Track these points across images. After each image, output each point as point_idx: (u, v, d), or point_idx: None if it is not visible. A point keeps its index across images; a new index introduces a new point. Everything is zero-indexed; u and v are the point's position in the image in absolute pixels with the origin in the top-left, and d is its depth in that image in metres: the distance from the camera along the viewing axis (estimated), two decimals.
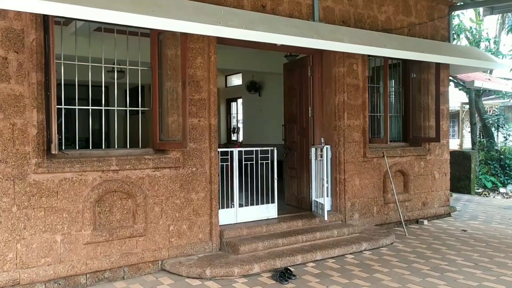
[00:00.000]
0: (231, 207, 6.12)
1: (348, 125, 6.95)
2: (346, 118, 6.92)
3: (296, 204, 7.51)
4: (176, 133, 5.32)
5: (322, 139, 6.70)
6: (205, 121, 5.64)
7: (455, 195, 11.10)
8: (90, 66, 5.05)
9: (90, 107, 5.19)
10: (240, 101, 15.51)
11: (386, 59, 7.10)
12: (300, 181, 7.41)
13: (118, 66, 5.64)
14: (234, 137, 16.21)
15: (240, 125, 15.59)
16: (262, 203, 6.44)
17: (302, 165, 7.31)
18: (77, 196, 4.74)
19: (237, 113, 16.12)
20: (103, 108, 5.31)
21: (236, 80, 15.64)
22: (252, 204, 6.36)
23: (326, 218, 6.36)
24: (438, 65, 7.57)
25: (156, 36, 5.31)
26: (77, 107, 5.00)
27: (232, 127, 16.37)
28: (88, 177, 4.81)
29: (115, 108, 5.33)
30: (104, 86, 5.23)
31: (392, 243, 6.43)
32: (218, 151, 5.88)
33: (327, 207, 6.89)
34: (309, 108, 7.15)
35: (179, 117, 5.27)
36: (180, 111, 5.23)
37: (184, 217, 5.45)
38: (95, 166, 4.82)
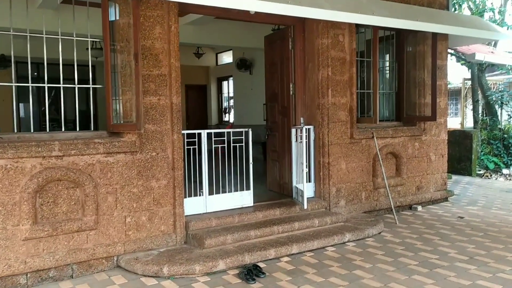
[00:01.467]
0: (200, 195, 5.52)
1: (333, 103, 6.28)
2: (331, 96, 6.25)
3: (278, 190, 6.91)
4: (130, 114, 4.70)
5: (301, 119, 6.04)
6: (166, 99, 5.00)
7: (454, 177, 10.47)
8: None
9: (46, 85, 4.59)
10: (231, 80, 14.82)
11: (375, 29, 6.39)
12: (282, 165, 6.79)
13: (77, 38, 4.95)
14: (225, 118, 15.57)
15: (233, 105, 14.94)
16: (236, 190, 5.83)
17: (284, 147, 6.69)
18: (12, 186, 4.15)
19: (228, 93, 15.44)
20: (61, 86, 4.64)
21: (227, 58, 14.92)
22: (224, 191, 5.75)
23: (305, 206, 5.76)
24: (435, 35, 6.85)
25: (106, 3, 4.64)
26: (30, 84, 4.47)
27: (223, 107, 15.71)
28: (25, 165, 4.21)
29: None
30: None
31: (379, 233, 5.84)
32: (184, 134, 5.27)
33: (309, 193, 6.31)
34: (290, 85, 6.48)
35: (133, 96, 4.65)
36: (133, 89, 4.60)
37: (143, 207, 4.87)
38: (33, 151, 4.22)
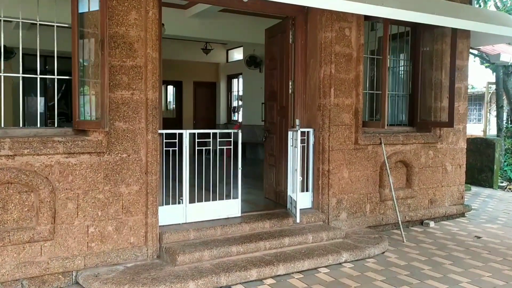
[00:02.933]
0: (179, 203, 4.93)
1: (335, 104, 5.61)
2: (333, 96, 5.58)
3: (274, 199, 6.28)
4: (97, 109, 4.14)
5: (297, 121, 5.38)
6: (141, 94, 4.42)
7: (474, 188, 9.64)
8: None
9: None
10: (241, 78, 14.22)
11: (386, 22, 5.68)
12: (279, 170, 6.15)
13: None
14: (234, 117, 14.98)
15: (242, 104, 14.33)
16: (222, 198, 5.21)
17: (282, 151, 6.04)
18: None
19: (238, 91, 14.85)
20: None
21: (238, 55, 14.34)
22: (208, 199, 5.14)
23: (298, 219, 5.12)
24: (454, 32, 6.10)
25: None
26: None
27: (232, 106, 15.12)
28: None
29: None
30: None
31: (383, 253, 5.15)
32: (162, 134, 4.68)
33: (306, 204, 5.66)
34: (290, 83, 5.83)
35: (106, 88, 4.09)
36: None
37: (109, 216, 4.30)
38: None
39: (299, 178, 5.06)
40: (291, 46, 5.81)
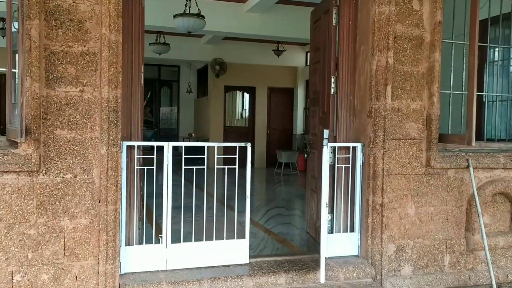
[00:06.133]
0: (157, 242, 3.60)
1: (395, 108, 3.88)
2: (391, 96, 3.86)
3: (315, 235, 4.69)
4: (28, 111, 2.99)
5: (325, 132, 3.71)
6: (94, 92, 3.19)
7: None
8: None
9: None
10: None
11: None
12: (320, 198, 4.54)
13: None
14: None
15: None
16: (221, 237, 3.76)
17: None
18: None
19: None
20: None
21: None
22: (200, 238, 3.72)
23: (322, 278, 3.49)
24: None
25: None
26: None
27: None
28: None
29: None
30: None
31: None
32: (124, 145, 3.41)
33: (347, 249, 4.04)
34: (332, 80, 4.23)
35: (33, 82, 2.95)
36: (32, 72, 2.90)
37: (44, 259, 3.11)
38: None
39: (326, 216, 3.44)
40: (334, 29, 4.21)
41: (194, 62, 14.12)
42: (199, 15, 6.47)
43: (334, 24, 4.20)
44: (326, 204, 3.56)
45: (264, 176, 11.40)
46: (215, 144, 3.68)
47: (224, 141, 12.85)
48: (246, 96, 13.86)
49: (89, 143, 3.19)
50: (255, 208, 6.36)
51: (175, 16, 6.53)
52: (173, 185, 3.52)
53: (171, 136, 15.35)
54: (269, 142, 13.42)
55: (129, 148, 3.45)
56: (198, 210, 3.80)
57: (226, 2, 8.42)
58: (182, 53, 12.15)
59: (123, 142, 3.37)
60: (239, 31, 8.93)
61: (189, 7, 6.60)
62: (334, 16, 4.17)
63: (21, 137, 2.81)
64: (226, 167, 3.72)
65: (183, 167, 3.63)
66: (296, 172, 11.51)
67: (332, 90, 4.23)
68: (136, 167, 3.48)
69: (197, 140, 13.55)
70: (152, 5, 7.85)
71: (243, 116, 14.26)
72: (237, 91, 13.75)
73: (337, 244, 3.98)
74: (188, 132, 14.53)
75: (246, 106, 14.06)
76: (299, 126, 13.66)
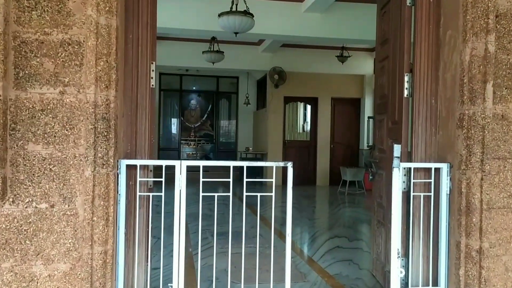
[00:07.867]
0: None
1: (498, 114, 2.75)
2: (492, 98, 2.73)
3: (382, 280, 3.60)
4: None
5: (396, 147, 2.63)
6: (79, 94, 2.40)
7: None
8: None
9: None
10: None
11: None
12: (388, 233, 3.46)
13: None
14: None
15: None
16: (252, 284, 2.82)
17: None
18: None
19: None
20: None
21: None
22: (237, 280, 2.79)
23: None
24: None
25: None
26: None
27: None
28: None
29: None
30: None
31: None
32: (123, 164, 2.58)
33: None
34: (405, 79, 3.17)
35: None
36: None
37: None
38: None
39: (396, 267, 2.39)
40: (409, 11, 3.17)
41: (252, 72, 13.40)
42: (246, 13, 5.65)
43: (408, 4, 3.15)
44: (398, 252, 2.51)
45: (326, 195, 10.30)
46: (244, 164, 2.76)
47: (284, 157, 11.94)
48: (308, 107, 12.86)
49: (72, 162, 2.39)
50: (310, 237, 5.35)
51: (219, 15, 5.77)
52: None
53: (230, 151, 14.69)
54: (332, 158, 12.31)
55: (130, 168, 2.62)
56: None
57: (282, 1, 7.57)
58: (238, 62, 11.46)
59: (121, 160, 2.56)
60: (297, 33, 8.02)
61: (236, 5, 5.80)
62: None
63: None
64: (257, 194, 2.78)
65: (201, 194, 2.73)
66: (363, 191, 10.27)
67: (406, 92, 3.16)
68: (138, 193, 2.64)
69: (255, 156, 12.74)
70: (203, 7, 7.24)
71: (305, 129, 13.25)
72: (298, 102, 12.78)
73: None
74: (245, 146, 13.78)
75: (308, 119, 13.03)
76: (365, 140, 12.39)
